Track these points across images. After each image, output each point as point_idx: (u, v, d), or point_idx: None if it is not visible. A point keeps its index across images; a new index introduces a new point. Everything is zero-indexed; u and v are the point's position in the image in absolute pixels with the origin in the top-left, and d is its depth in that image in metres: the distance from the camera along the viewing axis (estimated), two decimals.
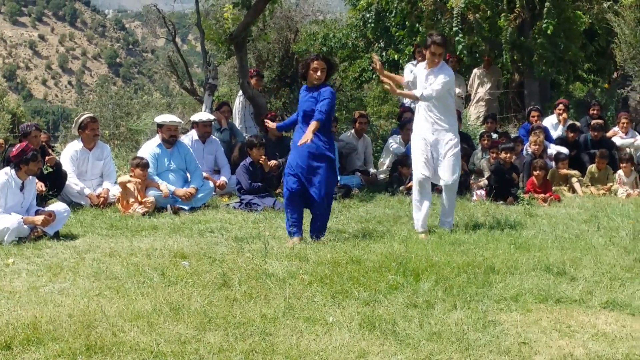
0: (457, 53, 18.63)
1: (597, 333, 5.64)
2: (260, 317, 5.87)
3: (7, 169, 9.59)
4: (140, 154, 12.26)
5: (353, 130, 15.07)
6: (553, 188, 13.19)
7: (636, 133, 15.95)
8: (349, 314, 5.93)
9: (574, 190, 13.67)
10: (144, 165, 11.54)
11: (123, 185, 11.39)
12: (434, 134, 9.71)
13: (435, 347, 5.24)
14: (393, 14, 21.33)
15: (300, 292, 6.58)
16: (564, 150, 14.57)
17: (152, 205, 11.35)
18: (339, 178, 13.02)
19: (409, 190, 12.31)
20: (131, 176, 11.55)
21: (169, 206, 11.58)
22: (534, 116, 15.94)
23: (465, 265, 7.47)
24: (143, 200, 11.34)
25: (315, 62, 9.21)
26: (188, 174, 12.32)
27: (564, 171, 13.95)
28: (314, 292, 6.60)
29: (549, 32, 18.13)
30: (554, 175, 13.75)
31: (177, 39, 21.25)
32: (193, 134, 13.57)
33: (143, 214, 11.02)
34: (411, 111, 15.05)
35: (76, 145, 12.36)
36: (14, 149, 9.63)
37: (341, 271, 7.28)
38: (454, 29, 18.51)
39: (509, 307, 6.25)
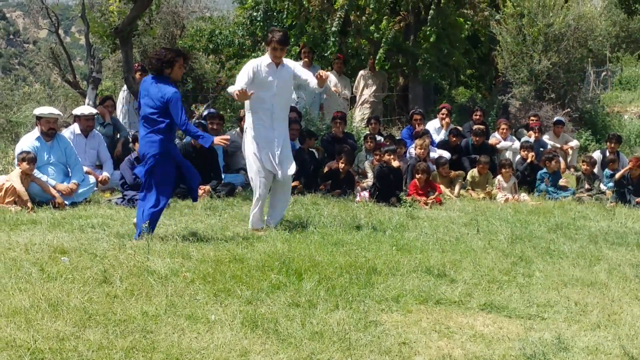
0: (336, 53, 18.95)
1: (475, 334, 5.76)
2: (142, 314, 5.80)
3: None
4: (18, 146, 11.96)
5: (238, 129, 15.00)
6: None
7: (514, 138, 16.36)
8: (231, 313, 5.91)
9: (459, 194, 13.89)
10: (31, 160, 11.25)
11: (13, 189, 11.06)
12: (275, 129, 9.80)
13: (317, 346, 5.27)
14: (284, 15, 21.36)
15: (183, 290, 6.54)
16: (446, 154, 14.81)
17: (31, 206, 11.06)
18: (223, 176, 13.01)
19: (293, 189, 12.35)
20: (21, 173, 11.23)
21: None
22: (416, 119, 16.15)
23: (348, 266, 7.53)
24: (25, 200, 11.02)
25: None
26: (69, 168, 12.06)
27: (454, 173, 14.17)
28: (196, 290, 6.56)
29: (431, 39, 18.48)
30: (435, 179, 13.96)
31: (60, 31, 20.79)
32: (75, 128, 13.32)
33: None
34: (296, 111, 15.12)
35: None
36: None
37: (224, 269, 7.26)
38: (333, 29, 18.74)
39: (390, 308, 6.32)
